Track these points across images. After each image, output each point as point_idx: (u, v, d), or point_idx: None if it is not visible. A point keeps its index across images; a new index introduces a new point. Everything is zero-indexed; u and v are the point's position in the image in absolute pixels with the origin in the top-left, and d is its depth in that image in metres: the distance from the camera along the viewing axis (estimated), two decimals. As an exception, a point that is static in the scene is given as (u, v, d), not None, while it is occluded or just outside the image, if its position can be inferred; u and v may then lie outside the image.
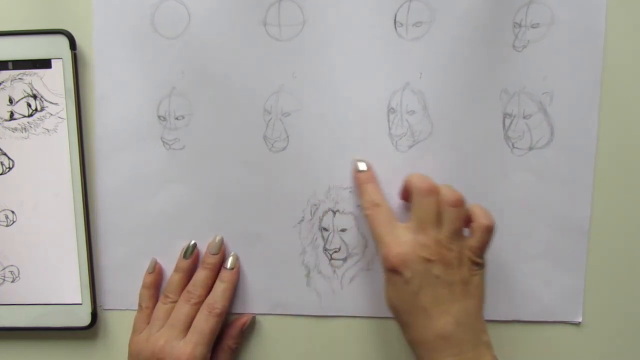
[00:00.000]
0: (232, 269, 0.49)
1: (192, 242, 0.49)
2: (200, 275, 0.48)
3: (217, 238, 0.49)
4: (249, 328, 0.50)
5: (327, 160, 0.49)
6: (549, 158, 0.47)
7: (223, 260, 0.49)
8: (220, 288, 0.48)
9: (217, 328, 0.47)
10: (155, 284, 0.50)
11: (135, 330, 0.48)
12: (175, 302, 0.48)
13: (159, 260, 0.50)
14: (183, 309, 0.47)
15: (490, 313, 0.48)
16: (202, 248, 0.49)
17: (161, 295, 0.49)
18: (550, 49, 0.47)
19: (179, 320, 0.46)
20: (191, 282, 0.48)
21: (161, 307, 0.48)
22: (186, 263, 0.49)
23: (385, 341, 0.50)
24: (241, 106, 0.48)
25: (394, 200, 0.48)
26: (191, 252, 0.49)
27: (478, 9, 0.46)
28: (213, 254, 0.49)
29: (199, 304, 0.47)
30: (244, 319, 0.49)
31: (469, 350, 0.40)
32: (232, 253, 0.49)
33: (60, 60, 0.48)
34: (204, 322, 0.46)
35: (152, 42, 0.48)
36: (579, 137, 0.47)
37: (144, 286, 0.49)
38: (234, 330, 0.49)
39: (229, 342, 0.49)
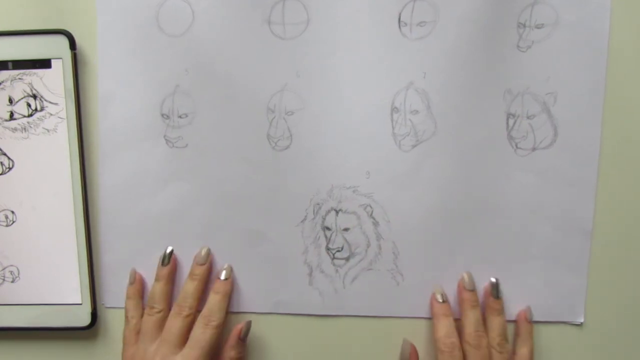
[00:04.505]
0: (226, 279, 0.49)
1: (169, 249, 0.49)
2: (189, 286, 0.48)
3: (204, 250, 0.49)
4: (247, 333, 0.48)
5: (330, 160, 0.48)
6: (552, 158, 0.47)
7: (211, 271, 0.49)
8: (215, 300, 0.47)
9: (215, 340, 0.46)
10: (138, 294, 0.49)
11: (127, 344, 0.48)
12: (161, 311, 0.47)
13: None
14: (176, 323, 0.46)
15: (492, 312, 0.48)
16: (205, 248, 0.49)
17: (146, 307, 0.48)
18: (555, 49, 0.46)
19: (173, 335, 0.46)
20: (180, 294, 0.48)
21: (148, 320, 0.47)
22: (165, 270, 0.48)
23: (387, 341, 0.50)
24: (244, 105, 0.48)
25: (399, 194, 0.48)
26: (168, 259, 0.49)
27: (482, 9, 0.46)
28: (200, 265, 0.48)
29: (191, 315, 0.47)
30: (239, 327, 0.48)
31: None
32: (226, 265, 0.49)
33: (60, 60, 0.47)
34: (201, 335, 0.46)
35: (156, 40, 0.48)
36: (583, 137, 0.47)
37: (127, 297, 0.49)
38: (232, 340, 0.48)
39: (230, 353, 0.47)
